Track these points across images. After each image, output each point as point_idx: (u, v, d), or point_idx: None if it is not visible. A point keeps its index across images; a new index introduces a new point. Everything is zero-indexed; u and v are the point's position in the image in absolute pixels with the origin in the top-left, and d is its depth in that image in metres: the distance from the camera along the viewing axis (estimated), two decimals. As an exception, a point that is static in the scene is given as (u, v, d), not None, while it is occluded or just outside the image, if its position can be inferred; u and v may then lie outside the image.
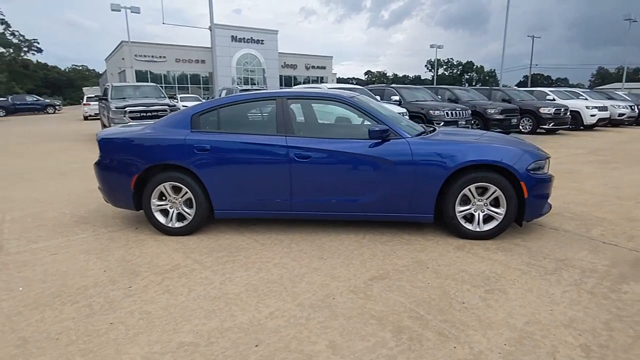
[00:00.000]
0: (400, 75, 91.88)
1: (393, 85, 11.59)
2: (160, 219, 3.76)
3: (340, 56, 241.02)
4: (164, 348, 2.11)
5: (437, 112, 9.43)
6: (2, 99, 33.87)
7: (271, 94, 3.78)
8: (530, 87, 29.45)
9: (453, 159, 3.35)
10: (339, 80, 60.86)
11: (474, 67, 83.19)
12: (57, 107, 33.97)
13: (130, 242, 3.64)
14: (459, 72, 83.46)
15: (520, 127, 12.12)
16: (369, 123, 3.61)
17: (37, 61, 68.74)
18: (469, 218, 3.52)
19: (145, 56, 38.70)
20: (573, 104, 13.35)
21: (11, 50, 62.78)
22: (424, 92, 11.21)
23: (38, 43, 66.32)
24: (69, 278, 2.93)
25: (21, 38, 63.94)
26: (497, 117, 10.69)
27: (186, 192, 3.67)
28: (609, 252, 3.25)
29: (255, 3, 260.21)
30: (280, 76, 45.27)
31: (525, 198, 3.36)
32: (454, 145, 3.44)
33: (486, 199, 3.44)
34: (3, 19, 60.32)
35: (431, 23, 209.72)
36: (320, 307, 2.48)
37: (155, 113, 10.42)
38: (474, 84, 78.32)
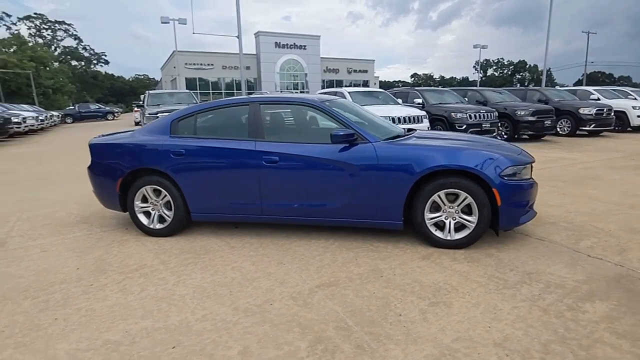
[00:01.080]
0: (448, 77, 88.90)
1: (417, 88, 11.27)
2: (143, 220, 3.93)
3: (387, 59, 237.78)
4: (90, 345, 2.21)
5: (459, 115, 9.02)
6: (70, 107, 37.38)
7: (245, 100, 3.83)
8: (587, 85, 27.40)
9: (420, 163, 3.21)
10: (383, 83, 60.36)
11: (527, 66, 78.24)
12: (115, 114, 36.71)
13: (114, 241, 3.85)
14: (509, 72, 78.95)
15: (558, 129, 11.27)
16: (347, 128, 3.53)
17: (105, 72, 75.01)
18: (441, 226, 3.35)
19: (194, 64, 40.72)
20: (619, 103, 12.20)
21: (82, 63, 69.29)
22: (450, 95, 10.77)
23: (106, 55, 72.80)
24: (44, 274, 3.15)
25: (91, 52, 70.51)
26: (528, 119, 9.96)
27: (165, 195, 3.82)
28: (590, 266, 2.95)
29: (304, 10, 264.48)
30: (323, 80, 45.66)
31: (498, 206, 3.15)
32: (421, 149, 3.30)
33: (457, 206, 3.26)
34: (76, 35, 66.84)
35: (482, 22, 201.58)
36: (254, 313, 2.48)
37: None
38: (526, 84, 73.84)
